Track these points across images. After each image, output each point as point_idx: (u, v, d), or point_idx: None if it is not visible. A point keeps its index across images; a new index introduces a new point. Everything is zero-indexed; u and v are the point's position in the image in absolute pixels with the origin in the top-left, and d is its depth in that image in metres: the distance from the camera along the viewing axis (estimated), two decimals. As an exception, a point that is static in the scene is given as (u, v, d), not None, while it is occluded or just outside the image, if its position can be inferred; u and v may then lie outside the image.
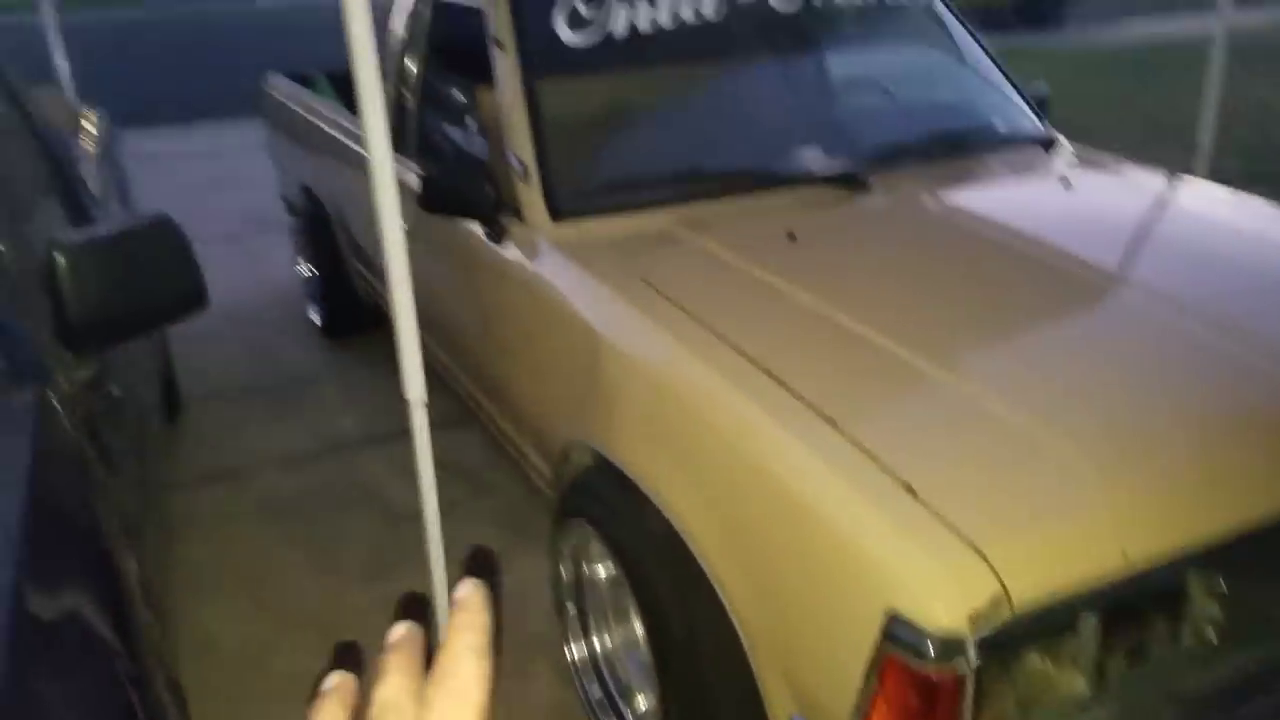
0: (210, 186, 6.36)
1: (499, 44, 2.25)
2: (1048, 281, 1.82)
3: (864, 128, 2.48)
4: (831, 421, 1.40)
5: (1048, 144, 2.48)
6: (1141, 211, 2.21)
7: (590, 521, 1.85)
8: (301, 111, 3.85)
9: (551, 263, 2.04)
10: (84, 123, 3.39)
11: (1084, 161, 2.45)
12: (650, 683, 1.79)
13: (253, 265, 5.08)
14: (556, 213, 2.11)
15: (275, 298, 4.64)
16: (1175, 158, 4.96)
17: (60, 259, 1.35)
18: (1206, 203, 2.28)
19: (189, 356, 3.68)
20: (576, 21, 2.26)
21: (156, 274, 1.49)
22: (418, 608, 0.48)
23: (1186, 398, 1.49)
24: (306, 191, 3.96)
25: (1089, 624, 1.22)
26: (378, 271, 3.37)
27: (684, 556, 1.56)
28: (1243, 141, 5.80)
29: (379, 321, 3.88)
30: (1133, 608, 1.28)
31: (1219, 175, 3.63)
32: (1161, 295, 1.74)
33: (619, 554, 1.75)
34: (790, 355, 1.57)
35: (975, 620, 1.13)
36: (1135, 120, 6.99)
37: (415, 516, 2.84)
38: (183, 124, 8.12)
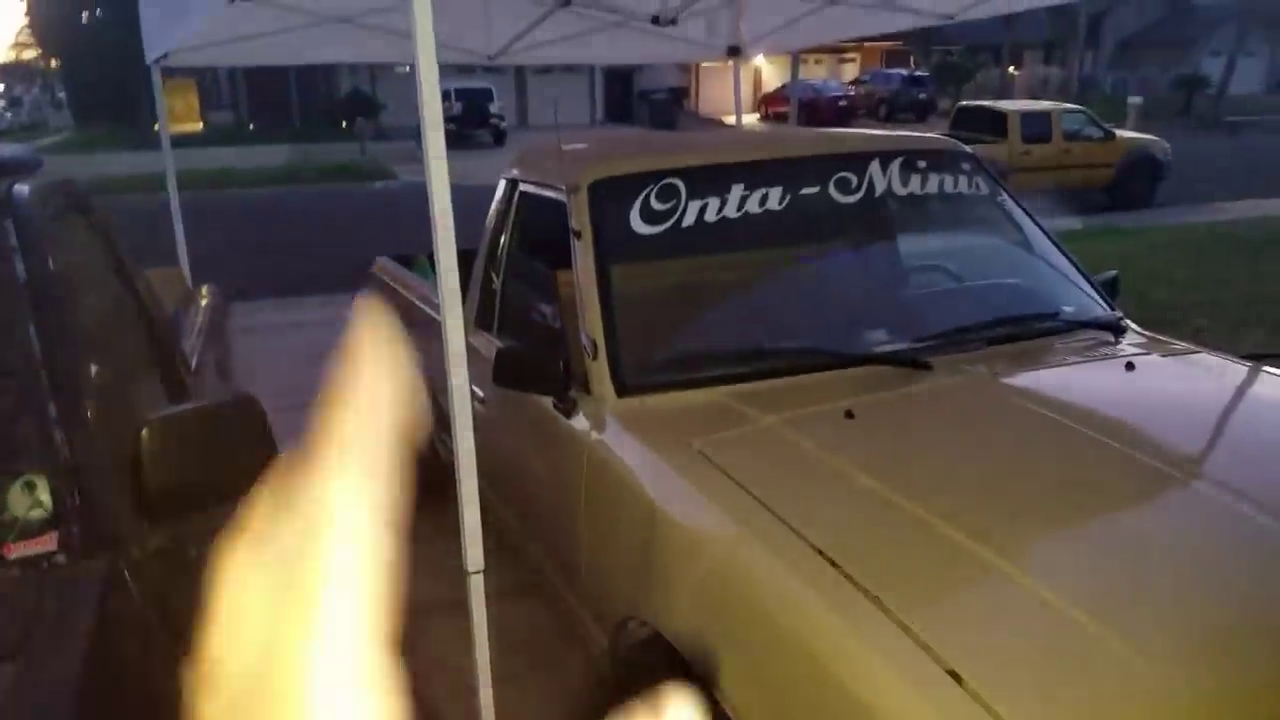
0: (322, 355, 6.74)
1: (576, 234, 2.43)
2: (1108, 468, 1.80)
3: (927, 312, 2.54)
4: (878, 602, 1.40)
5: (1116, 329, 2.49)
6: (1207, 398, 2.18)
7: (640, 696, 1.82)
8: (399, 289, 4.14)
9: (614, 435, 2.12)
10: (199, 298, 3.71)
11: (1150, 345, 2.44)
12: None
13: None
14: (622, 388, 2.20)
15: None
16: (1262, 339, 4.85)
17: (145, 433, 1.48)
18: (1272, 388, 2.23)
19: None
20: (649, 213, 2.43)
21: (235, 449, 1.61)
22: None
23: (1249, 595, 1.44)
24: (402, 364, 4.18)
25: None
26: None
27: None
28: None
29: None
30: None
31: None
32: (1224, 485, 1.70)
33: None
34: (840, 534, 1.58)
35: None
36: (1226, 299, 6.88)
37: (470, 690, 2.83)
38: (304, 294, 8.70)
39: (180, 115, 27.65)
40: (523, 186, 2.93)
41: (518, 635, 3.13)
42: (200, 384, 2.65)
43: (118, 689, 1.12)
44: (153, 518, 1.47)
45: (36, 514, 1.29)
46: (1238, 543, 1.56)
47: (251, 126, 29.07)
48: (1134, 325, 2.55)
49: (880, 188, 2.58)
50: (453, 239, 1.87)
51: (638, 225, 2.42)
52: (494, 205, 3.14)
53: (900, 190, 2.61)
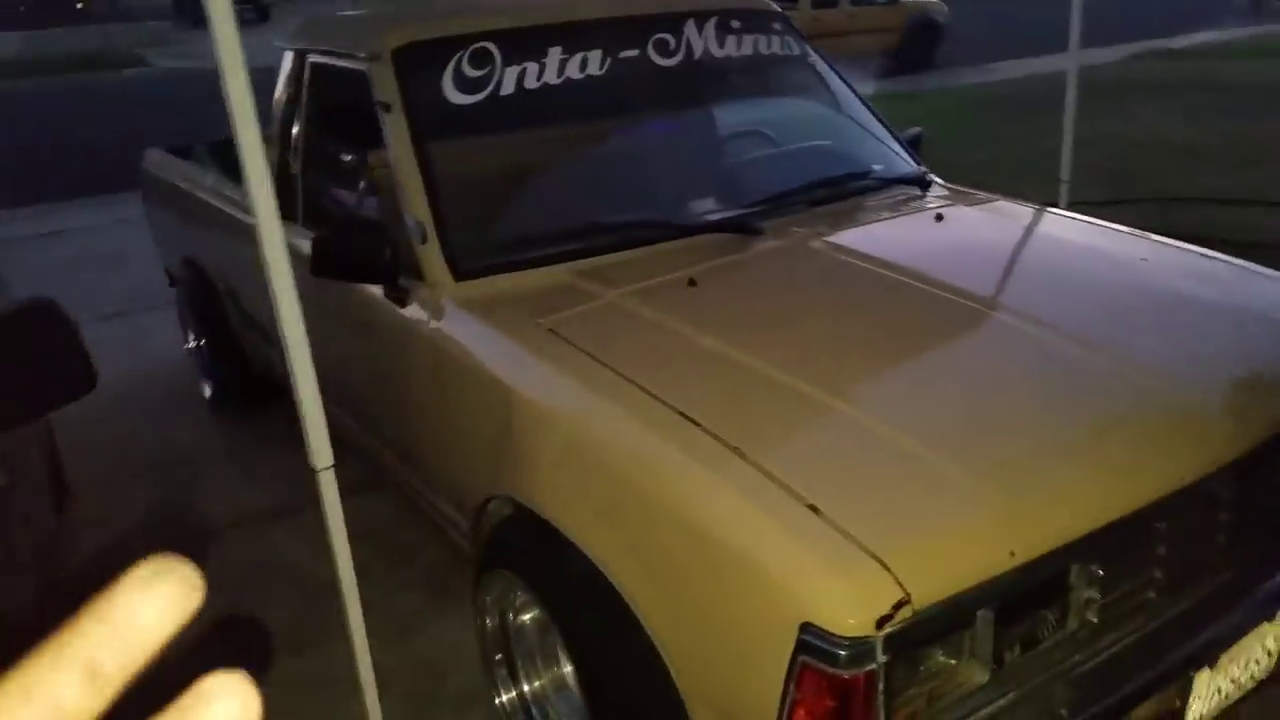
0: (89, 264, 6.12)
1: (385, 106, 2.26)
2: (926, 311, 1.94)
3: (753, 177, 2.58)
4: (738, 451, 1.46)
5: (923, 183, 2.62)
6: (1007, 242, 2.36)
7: (513, 570, 1.85)
8: (183, 184, 3.77)
9: (458, 321, 2.05)
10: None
11: (955, 197, 2.60)
12: None
13: (138, 343, 4.89)
14: (459, 272, 2.12)
15: (163, 375, 4.47)
16: (1039, 188, 5.31)
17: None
18: (1066, 230, 2.45)
19: (75, 441, 3.50)
20: (463, 81, 2.29)
21: (41, 359, 1.44)
22: None
23: (1054, 408, 1.61)
24: (190, 264, 3.86)
25: (985, 618, 1.34)
26: (272, 341, 3.30)
27: (608, 595, 1.60)
28: (1098, 170, 6.24)
29: (273, 392, 3.79)
30: (1023, 599, 1.39)
31: (1078, 203, 3.91)
32: (1028, 317, 1.87)
33: (544, 599, 1.76)
34: (696, 393, 1.62)
35: (881, 623, 1.22)
36: (1002, 155, 7.43)
37: (330, 587, 2.78)
38: (54, 201, 7.78)
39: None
40: (313, 59, 2.69)
41: (359, 529, 3.06)
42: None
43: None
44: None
45: None
46: (1044, 366, 1.73)
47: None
48: (938, 179, 2.70)
49: (698, 49, 2.55)
50: (255, 124, 1.69)
51: (452, 95, 2.29)
52: (281, 83, 2.87)
53: (717, 52, 2.60)
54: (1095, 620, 1.47)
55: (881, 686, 1.26)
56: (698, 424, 1.54)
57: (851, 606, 1.24)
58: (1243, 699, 1.70)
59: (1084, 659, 1.49)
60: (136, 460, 3.63)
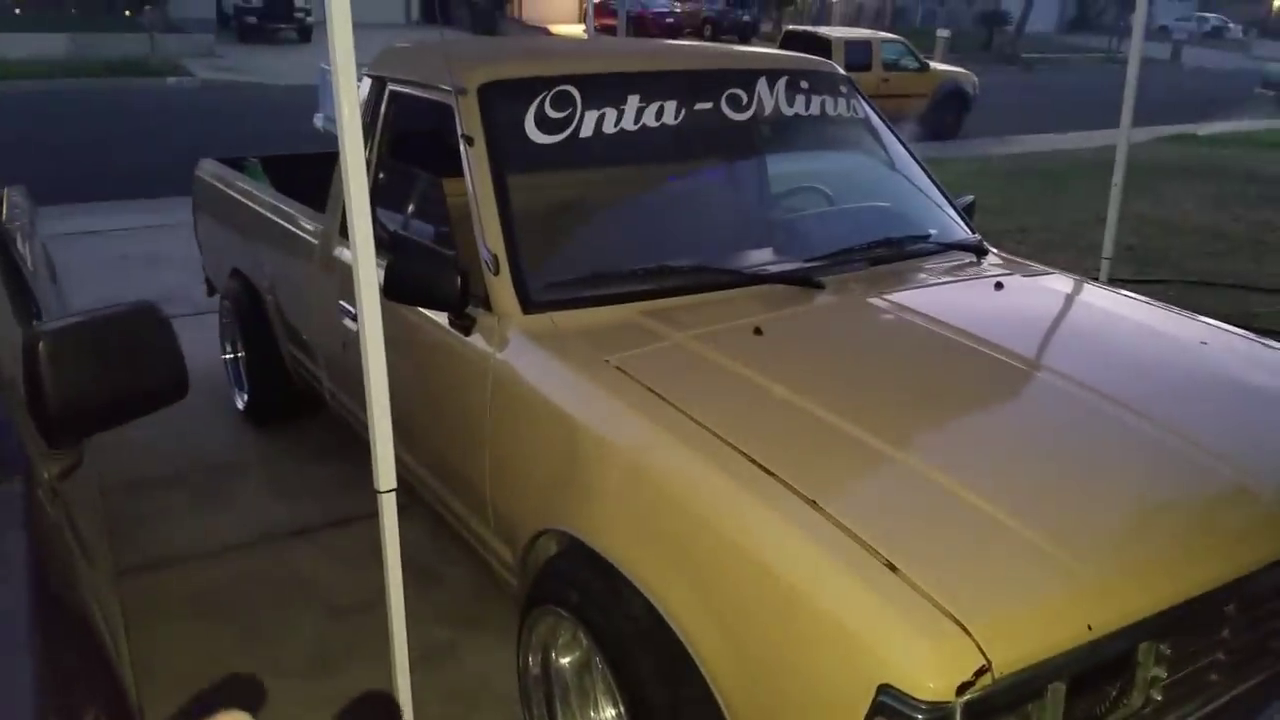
0: (125, 265, 6.18)
1: (468, 140, 2.32)
2: (992, 374, 1.96)
3: (816, 232, 2.63)
4: (813, 503, 1.47)
5: (980, 250, 2.66)
6: (1069, 314, 2.40)
7: (564, 607, 1.85)
8: (237, 196, 3.83)
9: (524, 352, 2.08)
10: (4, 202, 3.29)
11: (1011, 266, 2.64)
12: None
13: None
14: (527, 304, 2.15)
15: (196, 381, 4.48)
16: (1069, 262, 5.34)
17: (42, 346, 1.32)
18: (1125, 308, 2.48)
19: (102, 444, 3.52)
20: (544, 121, 2.35)
21: (138, 363, 1.47)
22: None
23: (1125, 481, 1.63)
24: (238, 274, 3.90)
25: (1057, 690, 1.33)
26: (317, 356, 3.33)
27: (666, 638, 1.60)
28: (1129, 248, 6.30)
29: (308, 407, 3.82)
30: (1091, 674, 1.39)
31: (1116, 280, 3.95)
32: (1093, 387, 1.89)
33: (597, 638, 1.76)
34: (767, 440, 1.64)
35: (962, 689, 1.22)
36: (1032, 226, 7.50)
37: (358, 609, 2.78)
38: (89, 201, 7.87)
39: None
40: (394, 87, 2.76)
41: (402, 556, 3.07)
42: (41, 293, 2.37)
43: (62, 613, 1.02)
44: (54, 437, 1.33)
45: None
46: (1115, 440, 1.74)
47: (17, 11, 25.55)
48: (992, 248, 2.74)
49: (768, 106, 2.61)
50: (362, 158, 1.74)
51: (533, 133, 2.34)
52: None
53: (786, 109, 2.66)
54: (1159, 698, 1.48)
55: (957, 752, 1.26)
56: (773, 473, 1.55)
57: (933, 670, 1.24)
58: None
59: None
60: (167, 467, 3.64)
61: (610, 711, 1.88)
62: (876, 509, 1.51)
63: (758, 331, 2.05)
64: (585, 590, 1.81)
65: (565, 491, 1.89)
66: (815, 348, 2.06)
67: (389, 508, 1.91)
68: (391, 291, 2.16)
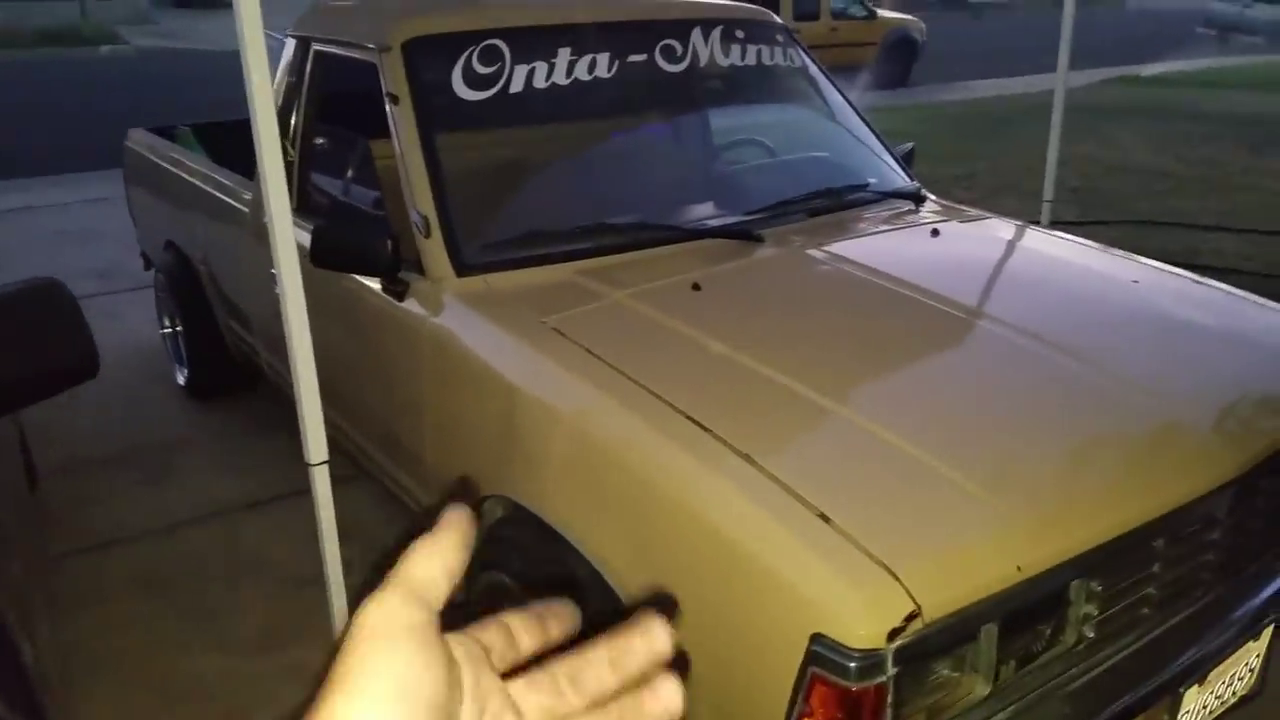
0: (60, 242, 5.99)
1: (393, 98, 2.25)
2: (927, 322, 1.97)
3: (753, 184, 2.60)
4: (748, 458, 1.47)
5: (918, 198, 2.66)
6: (1003, 258, 2.41)
7: (507, 573, 1.84)
8: (169, 166, 3.71)
9: (459, 317, 2.04)
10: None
11: (949, 213, 2.64)
12: None
13: (108, 324, 4.80)
14: (461, 267, 2.11)
15: (135, 358, 4.39)
16: (1016, 205, 5.39)
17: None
18: (1059, 249, 2.50)
19: (41, 423, 3.43)
20: (472, 77, 2.29)
21: (44, 341, 1.41)
22: None
23: (1055, 422, 1.64)
24: (172, 247, 3.79)
25: (989, 632, 1.35)
26: (254, 328, 3.26)
27: (607, 599, 1.59)
28: (1070, 190, 6.36)
29: (250, 380, 3.74)
30: (1024, 614, 1.41)
31: (1058, 222, 3.98)
32: (1025, 330, 1.91)
33: (541, 599, 1.74)
34: (704, 397, 1.63)
35: (893, 635, 1.23)
36: (977, 171, 7.54)
37: (309, 581, 2.75)
38: (22, 177, 7.60)
39: None
40: (318, 47, 2.66)
41: (342, 525, 3.04)
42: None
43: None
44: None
45: None
46: (1046, 382, 1.76)
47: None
48: (931, 194, 2.74)
49: (704, 57, 2.57)
50: (273, 115, 1.68)
51: (461, 90, 2.28)
52: (282, 69, 2.84)
53: (722, 60, 2.61)
54: (1092, 635, 1.50)
55: (890, 699, 1.27)
56: (708, 429, 1.54)
57: (864, 617, 1.25)
58: (1223, 715, 1.74)
59: (1079, 673, 1.51)
60: (110, 447, 3.56)
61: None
62: (810, 461, 1.51)
63: (696, 287, 2.03)
64: (528, 556, 1.80)
65: (506, 457, 1.87)
66: (753, 302, 2.05)
67: (321, 480, 1.88)
68: (320, 259, 2.11)
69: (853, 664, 1.23)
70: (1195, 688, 1.61)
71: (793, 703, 1.30)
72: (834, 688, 1.25)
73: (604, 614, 1.58)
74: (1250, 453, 1.62)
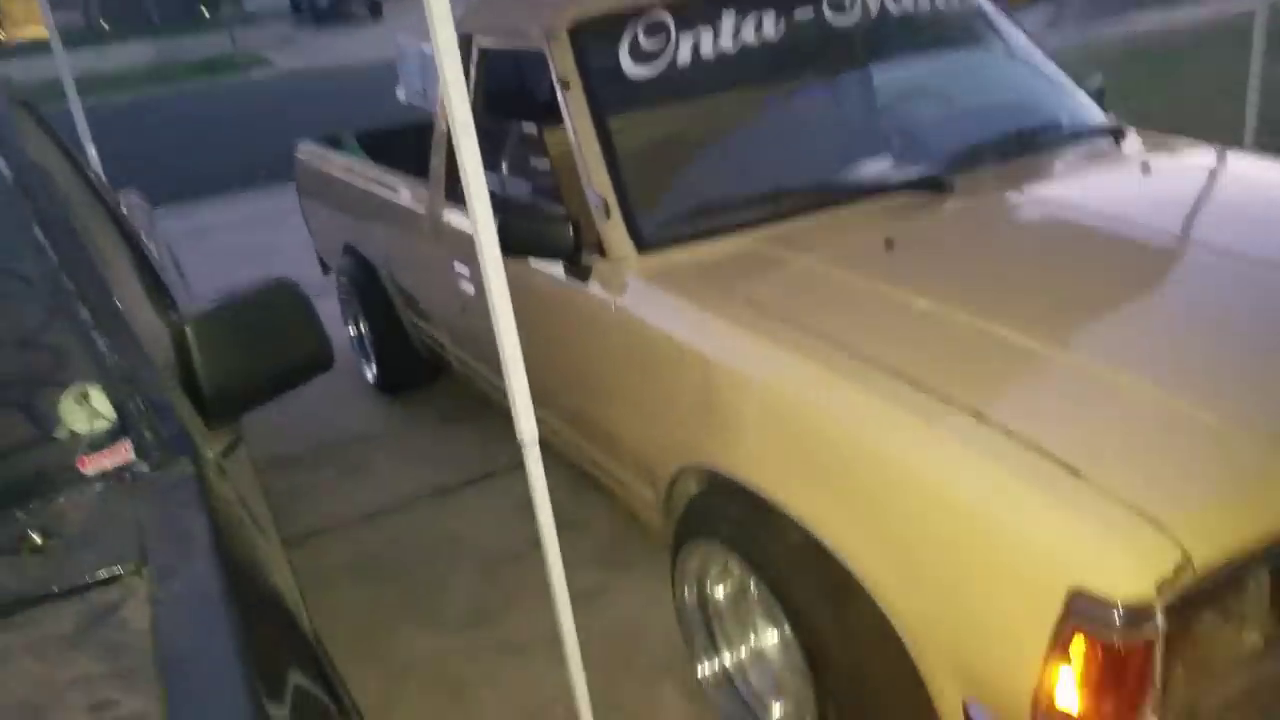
0: (240, 257, 6.42)
1: (564, 84, 2.27)
2: (1146, 258, 1.84)
3: (939, 133, 2.49)
4: (978, 414, 1.40)
5: (1117, 134, 2.48)
6: (1224, 187, 2.21)
7: (715, 539, 1.84)
8: (341, 174, 3.89)
9: (645, 294, 2.04)
10: (123, 205, 3.43)
11: (1154, 146, 2.45)
12: (782, 689, 1.85)
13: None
14: (642, 244, 2.11)
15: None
16: (1215, 136, 4.95)
17: (190, 331, 1.36)
18: (1273, 172, 2.28)
19: (247, 428, 3.67)
20: (639, 54, 2.28)
21: (282, 338, 1.50)
22: None
23: None
24: (350, 250, 3.98)
25: (1260, 580, 1.25)
26: (436, 323, 3.38)
27: (828, 563, 1.57)
28: (1265, 118, 5.82)
29: (436, 374, 3.90)
30: None
31: (1263, 150, 3.65)
32: (1257, 259, 1.75)
33: (753, 565, 1.74)
34: (917, 356, 1.57)
35: (1162, 587, 1.15)
36: (1162, 105, 7.01)
37: (508, 560, 2.84)
38: (190, 200, 8.16)
39: (20, 19, 25.15)
40: (480, 43, 2.72)
41: (528, 504, 3.12)
42: (172, 287, 2.46)
43: (252, 586, 1.05)
44: (211, 417, 1.37)
45: (100, 425, 1.18)
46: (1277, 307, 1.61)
47: (104, 25, 26.64)
48: (1132, 128, 2.55)
49: (874, 6, 2.47)
50: (472, 129, 1.71)
51: (629, 68, 2.28)
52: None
53: (893, 7, 2.50)
54: None
55: (1160, 655, 1.19)
56: (928, 388, 1.48)
57: (1128, 571, 1.17)
58: None
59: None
60: (309, 444, 3.79)
61: (772, 633, 1.86)
62: (1046, 412, 1.43)
63: (889, 244, 1.96)
64: (735, 522, 1.79)
65: (705, 428, 1.87)
66: (953, 253, 1.96)
67: (533, 455, 1.92)
68: (507, 245, 2.15)
69: (1118, 619, 1.16)
70: None
71: (1048, 663, 1.23)
72: (1099, 644, 1.18)
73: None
74: None
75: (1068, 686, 1.23)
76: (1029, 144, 2.39)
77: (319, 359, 1.54)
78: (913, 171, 2.24)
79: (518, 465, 3.42)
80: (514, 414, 1.91)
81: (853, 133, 2.46)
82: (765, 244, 2.07)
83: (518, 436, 1.91)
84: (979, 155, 2.30)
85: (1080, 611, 1.20)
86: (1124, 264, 1.83)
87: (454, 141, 1.73)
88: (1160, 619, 1.17)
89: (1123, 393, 1.43)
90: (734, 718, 1.98)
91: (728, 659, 2.02)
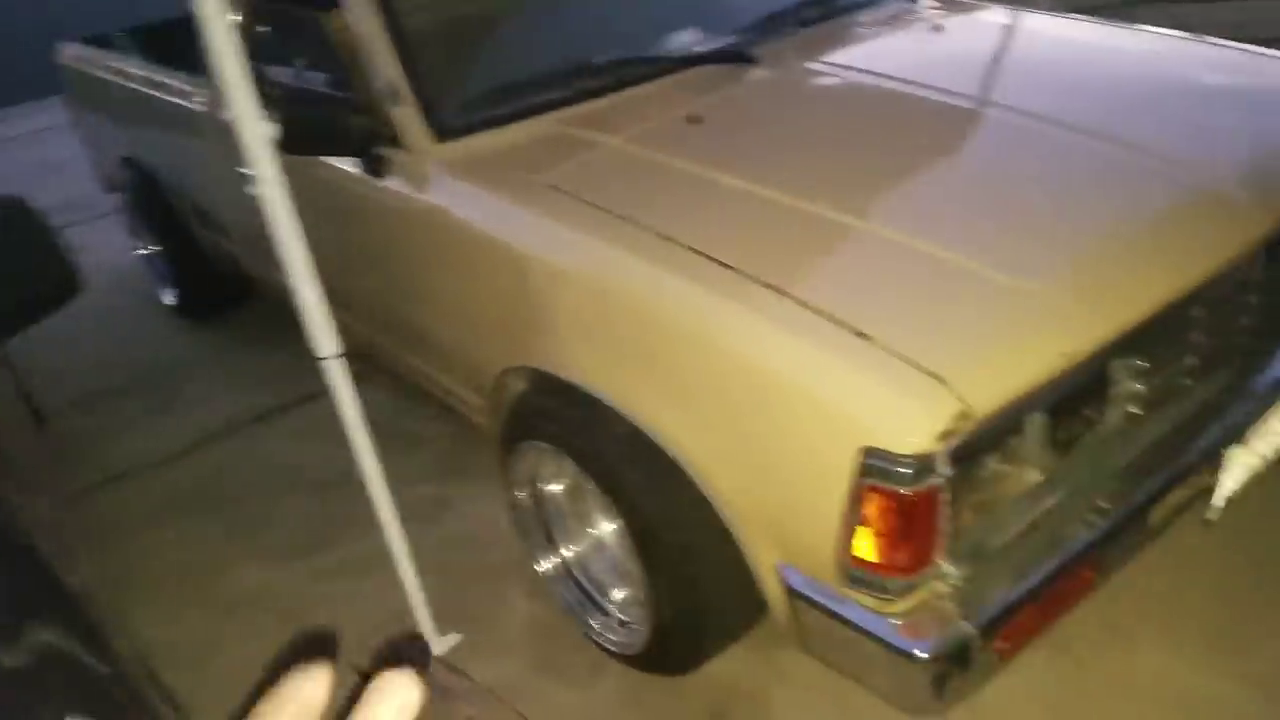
0: (14, 178, 5.75)
1: (341, -39, 2.06)
2: (941, 121, 1.87)
3: (737, 3, 2.42)
4: (775, 288, 1.40)
5: (910, -5, 2.49)
6: (1012, 45, 2.26)
7: (544, 439, 1.80)
8: (113, 78, 3.47)
9: (447, 187, 1.92)
10: None
11: (949, 6, 2.47)
12: (623, 575, 1.87)
13: (83, 257, 4.66)
14: (441, 133, 1.98)
15: (119, 288, 4.28)
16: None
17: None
18: (1068, 30, 2.35)
19: (38, 365, 3.35)
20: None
21: (16, 264, 1.32)
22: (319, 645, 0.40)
23: (1083, 205, 1.57)
24: (131, 164, 3.60)
25: (1037, 421, 1.34)
26: (233, 237, 3.13)
27: (651, 449, 1.57)
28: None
29: (243, 293, 3.62)
30: (1069, 400, 1.38)
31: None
32: (1046, 118, 1.81)
33: (583, 462, 1.72)
34: (721, 233, 1.55)
35: (944, 437, 1.20)
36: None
37: (339, 481, 2.73)
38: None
39: None
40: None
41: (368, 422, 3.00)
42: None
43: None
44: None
45: None
46: (1068, 165, 1.67)
47: None
48: (925, -10, 2.56)
49: None
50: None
51: (411, -61, 2.08)
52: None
53: None
54: (1138, 411, 1.48)
55: (944, 498, 1.26)
56: (731, 266, 1.46)
57: (912, 425, 1.22)
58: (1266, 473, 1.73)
59: (1127, 449, 1.51)
60: (113, 378, 3.50)
61: (608, 525, 1.87)
62: (840, 280, 1.45)
63: (693, 120, 1.90)
64: (562, 420, 1.75)
65: (522, 326, 1.80)
66: (757, 127, 1.93)
67: (337, 371, 1.81)
68: (290, 143, 1.97)
69: (906, 470, 1.21)
70: (1237, 448, 1.59)
71: (849, 516, 1.28)
72: (889, 496, 1.23)
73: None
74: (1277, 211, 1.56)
75: (866, 539, 1.28)
76: (828, 9, 2.37)
77: (63, 285, 1.36)
78: (716, 44, 2.18)
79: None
80: (306, 327, 1.78)
81: (653, 5, 2.36)
82: (569, 126, 1.98)
83: (316, 353, 1.79)
84: (779, 23, 2.27)
85: (871, 467, 1.24)
86: (917, 127, 1.85)
87: (209, 46, 1.55)
88: (945, 467, 1.22)
89: (913, 255, 1.45)
90: (575, 607, 1.99)
91: (566, 553, 2.02)
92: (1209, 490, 1.62)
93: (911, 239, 1.48)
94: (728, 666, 1.88)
